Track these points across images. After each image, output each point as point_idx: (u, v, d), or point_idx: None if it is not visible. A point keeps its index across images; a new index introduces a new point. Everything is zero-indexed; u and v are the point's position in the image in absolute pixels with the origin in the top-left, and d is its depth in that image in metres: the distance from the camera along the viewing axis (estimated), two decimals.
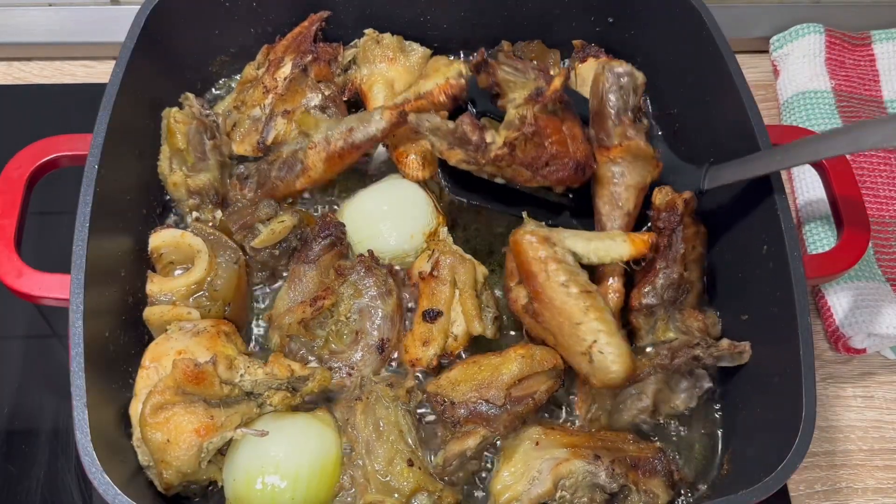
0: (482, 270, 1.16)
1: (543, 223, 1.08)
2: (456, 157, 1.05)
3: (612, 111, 1.08)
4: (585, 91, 1.30)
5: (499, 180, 1.09)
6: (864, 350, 1.28)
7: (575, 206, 1.19)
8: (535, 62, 1.06)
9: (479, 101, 1.15)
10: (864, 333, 1.24)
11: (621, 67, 1.09)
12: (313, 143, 1.18)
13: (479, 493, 1.07)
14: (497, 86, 1.06)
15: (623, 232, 1.09)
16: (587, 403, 1.08)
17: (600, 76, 1.09)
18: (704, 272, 1.20)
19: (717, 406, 1.15)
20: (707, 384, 1.11)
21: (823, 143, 1.01)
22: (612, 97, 1.08)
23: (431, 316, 1.11)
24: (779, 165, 1.05)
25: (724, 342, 1.10)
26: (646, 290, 1.12)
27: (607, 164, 1.09)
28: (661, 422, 1.12)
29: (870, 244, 1.26)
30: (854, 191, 1.15)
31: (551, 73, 1.05)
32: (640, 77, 1.10)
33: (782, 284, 1.04)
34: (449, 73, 1.15)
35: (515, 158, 1.03)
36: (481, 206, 1.18)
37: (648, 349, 1.11)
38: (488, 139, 1.03)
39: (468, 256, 1.17)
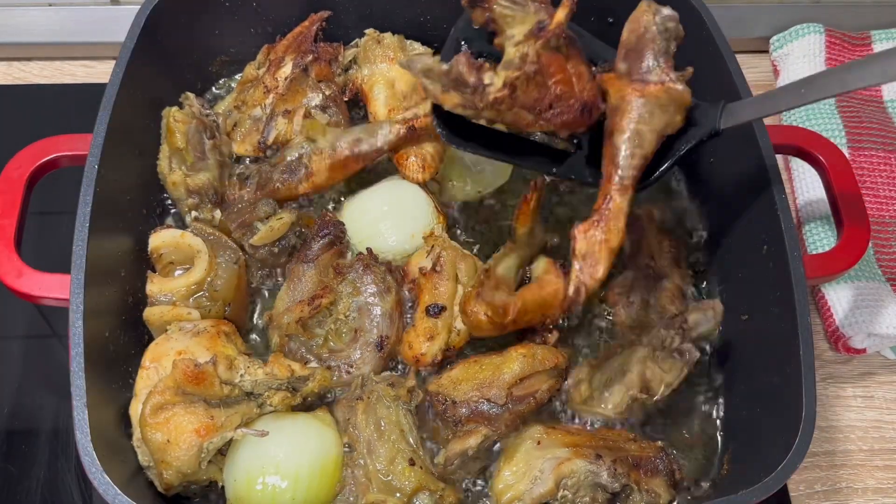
0: (482, 266, 1.16)
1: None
2: (452, 102, 0.95)
3: (656, 49, 0.99)
4: None
5: (499, 126, 1.02)
6: (864, 350, 1.28)
7: (589, 153, 1.07)
8: None
9: (473, 43, 1.05)
10: (864, 333, 1.24)
11: (670, 11, 1.00)
12: (319, 149, 1.19)
13: (480, 493, 1.07)
14: (494, 22, 0.97)
15: None
16: (578, 387, 1.10)
17: (644, 14, 1.00)
18: (682, 262, 1.22)
19: (718, 406, 1.15)
20: (696, 354, 1.09)
21: (851, 73, 0.90)
22: (657, 37, 0.99)
23: (436, 311, 1.11)
24: (802, 99, 0.95)
25: (691, 305, 1.12)
26: (618, 279, 1.19)
27: (638, 100, 0.98)
28: (658, 412, 1.12)
29: (870, 244, 1.26)
30: (854, 190, 1.15)
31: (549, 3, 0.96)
32: (681, 29, 1.02)
33: (782, 284, 1.04)
34: None
35: (516, 101, 0.94)
36: (480, 155, 1.10)
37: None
38: (486, 80, 0.93)
39: (467, 252, 1.17)
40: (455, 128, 1.02)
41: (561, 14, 0.95)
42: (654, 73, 0.99)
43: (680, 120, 1.00)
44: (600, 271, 0.95)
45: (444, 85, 0.94)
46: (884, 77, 0.87)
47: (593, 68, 1.03)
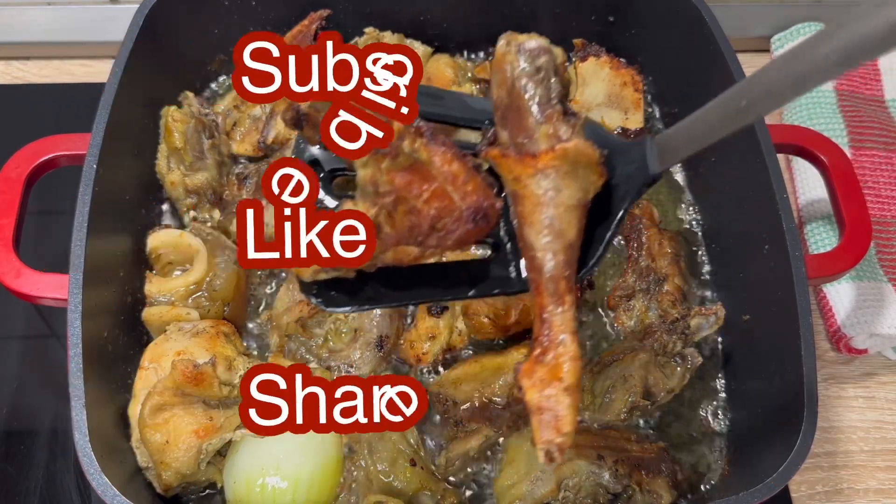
0: None
1: None
2: (310, 270, 0.75)
3: (532, 104, 0.76)
4: (585, 91, 1.30)
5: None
6: (865, 350, 1.27)
7: (513, 248, 0.82)
8: None
9: (322, 161, 0.86)
10: (865, 334, 1.24)
11: (533, 41, 0.77)
12: None
13: (481, 494, 1.06)
14: None
15: None
16: (581, 396, 1.10)
17: (505, 57, 0.77)
18: (683, 263, 1.22)
19: (719, 407, 1.15)
20: (698, 359, 1.08)
21: (802, 66, 0.55)
22: (528, 85, 0.76)
23: (438, 311, 1.11)
24: (745, 117, 0.63)
25: (694, 309, 1.11)
26: (619, 282, 1.19)
27: (534, 179, 0.75)
28: (659, 413, 1.12)
29: (872, 244, 1.26)
30: (856, 190, 1.15)
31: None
32: (559, 53, 0.80)
33: (783, 284, 1.04)
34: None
35: (387, 241, 0.74)
36: (376, 309, 0.85)
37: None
38: None
39: None
40: (332, 284, 0.79)
41: (399, 125, 0.73)
42: (541, 138, 0.75)
43: (597, 179, 0.76)
44: (566, 423, 0.73)
45: None
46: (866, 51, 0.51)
47: (477, 144, 0.82)
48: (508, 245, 0.83)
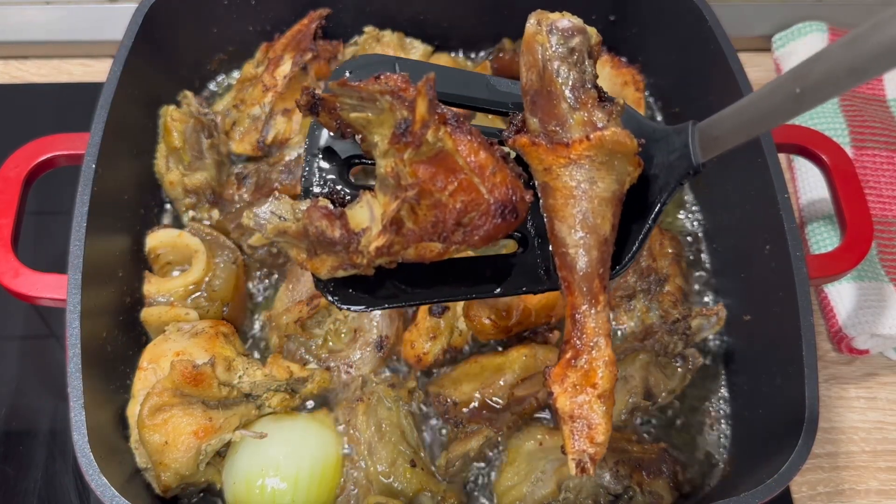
0: None
1: None
2: (327, 267, 0.72)
3: (566, 89, 0.71)
4: None
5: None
6: (867, 351, 1.27)
7: (542, 244, 0.78)
8: (384, 80, 0.67)
9: (338, 148, 0.80)
10: (867, 334, 1.23)
11: (566, 20, 0.72)
12: None
13: (482, 494, 1.06)
14: (349, 127, 0.73)
15: None
16: None
17: (535, 38, 0.71)
18: (683, 263, 1.21)
19: (720, 407, 1.15)
20: (699, 360, 1.08)
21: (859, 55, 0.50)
22: (560, 68, 0.71)
23: (438, 311, 1.10)
24: (800, 105, 0.57)
25: (695, 309, 1.11)
26: (619, 282, 1.18)
27: (567, 170, 0.70)
28: (660, 414, 1.12)
29: (873, 244, 1.25)
30: (857, 190, 1.14)
31: (409, 90, 0.66)
32: (593, 33, 0.73)
33: (785, 284, 1.04)
34: None
35: (409, 237, 0.69)
36: (396, 308, 0.79)
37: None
38: (357, 227, 0.70)
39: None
40: (350, 281, 0.75)
41: (422, 107, 0.66)
42: (575, 126, 0.70)
43: (634, 169, 0.71)
44: (600, 433, 0.68)
45: (308, 249, 0.72)
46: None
47: (503, 131, 0.77)
48: (537, 240, 0.78)
